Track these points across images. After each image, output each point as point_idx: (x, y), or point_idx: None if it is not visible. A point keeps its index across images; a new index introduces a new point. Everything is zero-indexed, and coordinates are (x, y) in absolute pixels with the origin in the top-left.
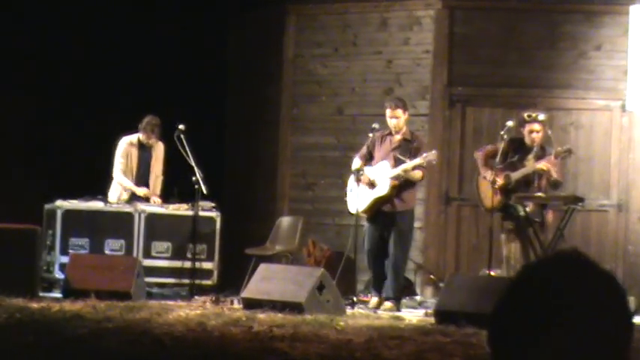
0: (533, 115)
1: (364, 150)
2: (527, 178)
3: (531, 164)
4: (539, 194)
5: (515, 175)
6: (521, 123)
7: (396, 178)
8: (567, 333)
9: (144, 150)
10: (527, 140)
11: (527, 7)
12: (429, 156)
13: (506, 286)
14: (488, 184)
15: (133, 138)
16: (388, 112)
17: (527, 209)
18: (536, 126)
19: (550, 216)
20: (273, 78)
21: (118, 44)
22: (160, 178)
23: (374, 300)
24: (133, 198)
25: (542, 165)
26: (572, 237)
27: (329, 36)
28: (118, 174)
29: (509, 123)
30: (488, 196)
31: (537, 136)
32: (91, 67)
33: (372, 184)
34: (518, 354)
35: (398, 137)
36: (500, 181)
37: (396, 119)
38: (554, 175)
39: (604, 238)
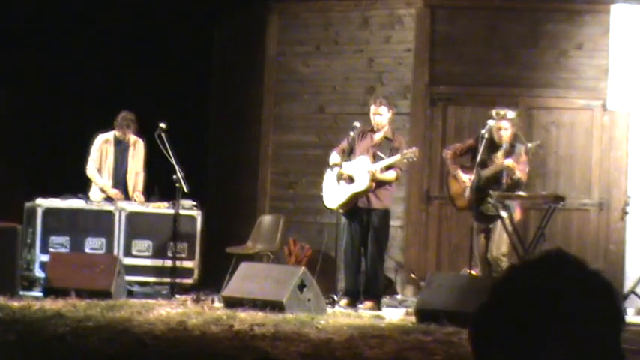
0: (502, 112)
1: (344, 144)
2: (496, 175)
3: (500, 161)
4: (521, 194)
5: (486, 173)
6: (490, 119)
7: (373, 177)
8: (560, 336)
9: (120, 147)
10: (495, 137)
11: (508, 6)
12: (409, 153)
13: (490, 286)
14: (459, 182)
15: (109, 135)
16: (373, 108)
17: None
18: (504, 124)
19: (518, 213)
20: (256, 76)
21: (101, 44)
22: (141, 175)
23: (345, 301)
24: (107, 197)
25: (508, 163)
26: (553, 236)
27: (311, 34)
28: (90, 171)
29: (491, 122)
30: (459, 195)
31: (505, 134)
32: (73, 65)
33: (350, 179)
34: (503, 356)
35: (379, 135)
36: (471, 178)
37: (380, 116)
38: (518, 174)
39: (585, 237)
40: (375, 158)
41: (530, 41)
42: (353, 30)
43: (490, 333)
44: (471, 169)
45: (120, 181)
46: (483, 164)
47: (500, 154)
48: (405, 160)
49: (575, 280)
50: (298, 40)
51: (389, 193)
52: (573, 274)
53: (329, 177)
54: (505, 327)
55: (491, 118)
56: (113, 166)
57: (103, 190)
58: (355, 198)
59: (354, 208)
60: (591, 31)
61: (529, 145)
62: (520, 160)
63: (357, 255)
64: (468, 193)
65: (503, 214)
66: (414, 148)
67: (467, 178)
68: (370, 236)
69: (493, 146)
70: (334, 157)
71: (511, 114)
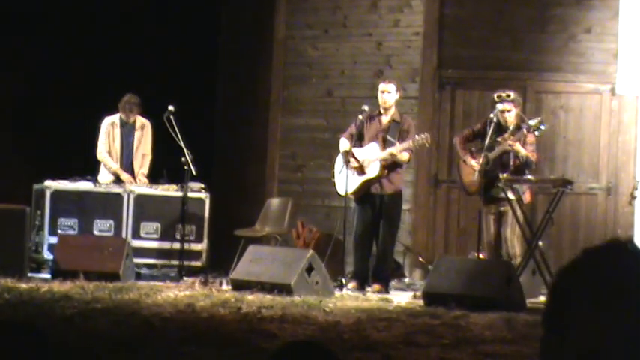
0: (503, 95)
1: (352, 130)
2: (502, 158)
3: (505, 143)
4: (529, 177)
5: (492, 155)
6: (493, 104)
7: (385, 159)
8: (621, 320)
9: (126, 129)
10: (500, 120)
11: None
12: (421, 140)
13: (560, 270)
14: (468, 167)
15: (115, 118)
16: (381, 85)
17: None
18: (507, 105)
19: (527, 195)
20: (264, 59)
21: (108, 25)
22: (149, 157)
23: (353, 284)
24: (117, 180)
25: (510, 142)
26: (561, 220)
27: (319, 17)
28: (101, 154)
29: (500, 106)
30: (470, 181)
31: (509, 116)
32: (81, 46)
33: (361, 168)
34: (575, 340)
35: (387, 119)
36: (479, 161)
37: (388, 94)
38: (523, 151)
39: (593, 221)
40: (385, 143)
41: (538, 25)
42: (361, 13)
43: (561, 317)
44: (479, 153)
45: (127, 162)
46: (491, 148)
47: (507, 135)
48: (416, 146)
49: (634, 269)
50: (307, 24)
51: (400, 177)
52: (633, 262)
53: (339, 163)
54: (574, 311)
55: (493, 101)
56: (120, 148)
57: (115, 174)
58: (367, 185)
59: (366, 193)
60: (600, 15)
61: (530, 122)
62: (527, 140)
63: (368, 239)
64: (476, 177)
65: (511, 196)
66: (425, 134)
67: (475, 163)
68: (382, 220)
69: (500, 129)
70: (345, 144)
71: (512, 95)
